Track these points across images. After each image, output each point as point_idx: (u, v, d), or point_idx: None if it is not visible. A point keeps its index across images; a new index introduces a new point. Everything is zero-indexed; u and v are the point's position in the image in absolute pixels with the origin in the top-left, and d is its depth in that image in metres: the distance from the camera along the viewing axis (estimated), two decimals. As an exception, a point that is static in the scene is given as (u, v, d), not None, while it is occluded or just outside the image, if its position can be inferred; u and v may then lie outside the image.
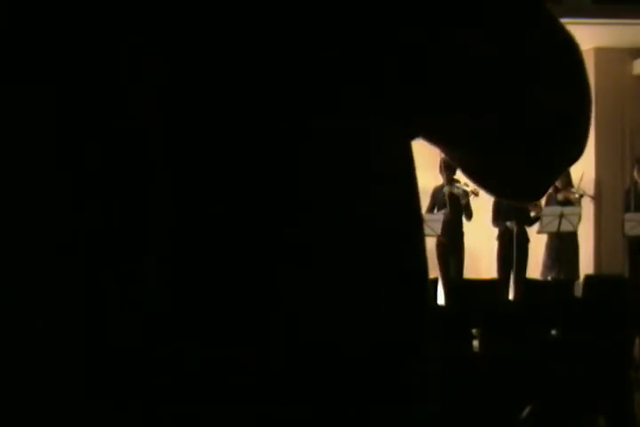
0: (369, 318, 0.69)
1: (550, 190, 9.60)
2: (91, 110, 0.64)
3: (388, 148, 0.71)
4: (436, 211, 9.95)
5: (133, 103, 0.64)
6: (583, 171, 9.72)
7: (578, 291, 6.95)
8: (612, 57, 10.76)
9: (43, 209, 0.65)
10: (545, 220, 9.27)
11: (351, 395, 0.67)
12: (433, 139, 0.76)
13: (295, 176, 0.66)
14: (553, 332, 4.83)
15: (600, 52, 10.60)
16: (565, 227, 9.19)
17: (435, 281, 6.84)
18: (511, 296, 8.51)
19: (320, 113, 0.67)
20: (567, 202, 9.56)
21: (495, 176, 0.79)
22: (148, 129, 0.65)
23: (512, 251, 9.52)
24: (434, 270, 9.43)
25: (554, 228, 9.18)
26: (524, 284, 7.29)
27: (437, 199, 9.90)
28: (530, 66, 0.72)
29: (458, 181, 9.55)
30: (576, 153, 0.78)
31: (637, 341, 4.98)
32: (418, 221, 0.75)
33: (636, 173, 9.44)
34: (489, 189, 0.82)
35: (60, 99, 0.64)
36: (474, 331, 4.84)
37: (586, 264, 9.96)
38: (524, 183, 0.81)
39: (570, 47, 0.74)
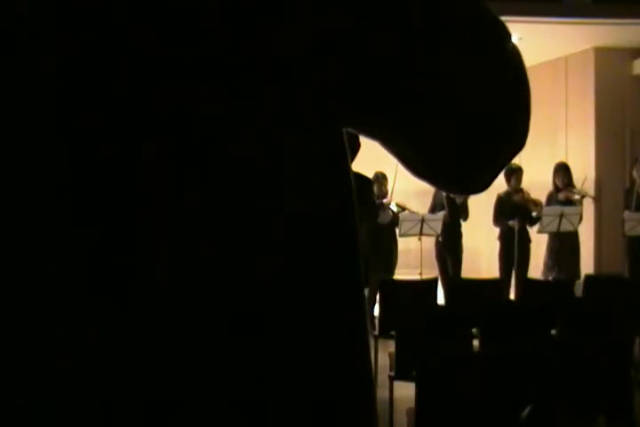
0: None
1: (551, 190, 9.57)
2: (92, 112, 0.65)
3: (314, 151, 0.71)
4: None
5: (134, 104, 0.65)
6: (586, 175, 9.71)
7: (578, 291, 6.94)
8: (612, 57, 10.75)
9: (42, 209, 0.65)
10: (545, 220, 9.25)
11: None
12: (370, 133, 0.75)
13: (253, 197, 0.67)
14: (553, 332, 4.82)
15: (600, 52, 10.59)
16: (566, 227, 9.17)
17: (435, 281, 6.83)
18: (512, 296, 8.51)
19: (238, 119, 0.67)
20: (568, 202, 9.54)
21: (441, 170, 0.77)
22: (147, 129, 0.65)
23: (514, 250, 9.50)
24: (434, 270, 9.43)
25: (554, 228, 9.16)
26: (526, 283, 7.28)
27: (437, 200, 9.89)
28: (457, 39, 0.70)
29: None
30: (518, 143, 0.75)
31: (637, 341, 4.98)
32: (352, 231, 0.74)
33: (635, 173, 9.42)
34: (437, 183, 0.79)
35: (61, 101, 0.65)
36: (474, 331, 4.84)
37: (586, 264, 9.95)
38: (462, 177, 0.77)
39: (496, 24, 0.72)
